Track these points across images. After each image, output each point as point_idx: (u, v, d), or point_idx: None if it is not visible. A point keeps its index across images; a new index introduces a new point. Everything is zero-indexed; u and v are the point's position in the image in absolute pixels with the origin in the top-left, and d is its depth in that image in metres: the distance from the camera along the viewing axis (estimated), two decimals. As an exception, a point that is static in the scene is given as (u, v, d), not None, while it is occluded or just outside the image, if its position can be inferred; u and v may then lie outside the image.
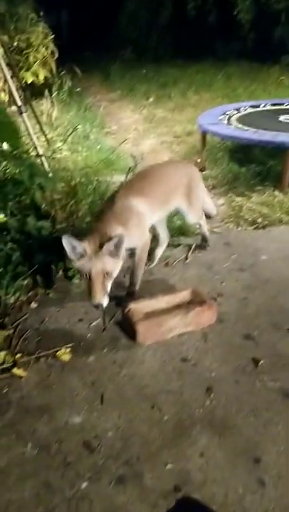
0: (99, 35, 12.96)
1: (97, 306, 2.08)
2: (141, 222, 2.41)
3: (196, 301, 2.33)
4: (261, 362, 2.08)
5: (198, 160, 4.53)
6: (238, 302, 2.49)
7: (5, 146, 2.71)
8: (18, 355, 2.14)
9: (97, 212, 2.64)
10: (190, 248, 3.04)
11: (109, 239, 2.10)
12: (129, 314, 2.23)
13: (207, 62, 9.78)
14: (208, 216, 3.14)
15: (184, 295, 2.38)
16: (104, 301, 2.08)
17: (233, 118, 4.50)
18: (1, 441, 1.74)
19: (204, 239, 3.09)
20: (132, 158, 4.21)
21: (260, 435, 1.71)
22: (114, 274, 2.15)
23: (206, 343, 2.20)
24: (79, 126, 5.23)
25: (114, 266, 2.13)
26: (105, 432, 1.75)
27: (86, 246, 2.09)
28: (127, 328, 2.26)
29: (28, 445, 1.71)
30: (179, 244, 3.11)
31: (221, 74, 8.63)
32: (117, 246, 2.09)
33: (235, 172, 4.21)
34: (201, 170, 4.42)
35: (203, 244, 3.09)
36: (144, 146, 5.32)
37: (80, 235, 2.26)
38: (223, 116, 4.52)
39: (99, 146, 5.02)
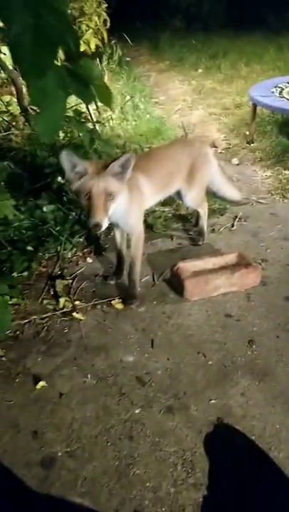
0: (148, 4, 12.75)
1: (97, 226, 1.90)
2: (141, 202, 2.30)
3: (241, 263, 2.47)
4: (301, 322, 2.22)
5: (247, 132, 4.56)
6: (282, 268, 2.62)
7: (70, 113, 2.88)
8: (77, 302, 2.37)
9: None
10: (236, 216, 3.16)
11: (115, 159, 1.94)
12: (178, 271, 2.41)
13: (259, 34, 9.50)
14: (233, 201, 3.05)
15: (230, 258, 2.52)
16: (105, 222, 1.92)
17: (286, 91, 4.46)
18: (64, 372, 1.98)
19: (200, 232, 2.87)
20: (182, 128, 4.31)
21: (298, 383, 1.88)
22: (118, 199, 1.98)
23: (249, 302, 2.36)
24: (129, 97, 5.33)
25: (119, 188, 1.95)
26: (155, 370, 1.97)
27: (87, 165, 1.92)
28: (176, 284, 2.44)
29: (88, 376, 1.95)
30: (225, 213, 3.22)
31: (273, 46, 8.39)
32: (124, 167, 1.93)
33: (284, 145, 4.22)
34: (249, 142, 4.47)
35: (197, 238, 2.87)
36: (192, 117, 5.37)
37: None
38: (275, 89, 4.49)
39: (148, 116, 5.11)
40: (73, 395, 1.87)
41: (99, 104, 5.04)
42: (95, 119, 3.89)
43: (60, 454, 1.65)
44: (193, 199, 2.67)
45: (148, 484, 1.53)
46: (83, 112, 3.02)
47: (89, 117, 3.78)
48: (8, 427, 1.75)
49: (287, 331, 2.15)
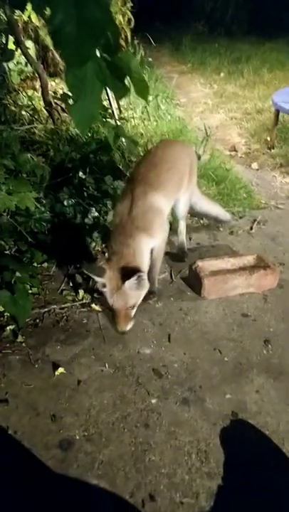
0: (171, 6, 12.79)
1: (122, 333, 2.11)
2: (162, 220, 2.29)
3: (260, 265, 2.50)
4: (317, 325, 2.24)
5: (268, 138, 4.59)
6: (299, 272, 2.65)
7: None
8: (96, 294, 2.42)
9: (116, 217, 2.22)
10: (255, 220, 3.19)
11: (130, 273, 1.95)
12: (197, 270, 2.45)
13: (282, 41, 9.49)
14: (221, 221, 3.00)
15: (248, 259, 2.56)
16: (128, 327, 2.09)
17: (309, 98, 4.48)
18: (82, 360, 2.03)
19: (182, 248, 2.78)
20: (204, 130, 4.35)
21: (312, 384, 1.91)
22: (139, 301, 2.12)
23: (266, 303, 2.39)
24: (152, 97, 5.37)
25: (138, 297, 2.08)
26: (172, 364, 2.01)
27: (107, 280, 2.00)
28: (194, 282, 2.48)
29: (106, 365, 2.00)
30: (244, 216, 3.26)
31: (296, 53, 8.40)
32: (139, 282, 2.01)
33: (304, 152, 4.25)
34: (269, 148, 4.49)
35: (180, 254, 2.77)
36: (212, 121, 5.40)
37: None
38: (298, 96, 4.52)
39: (169, 117, 5.15)
40: (91, 383, 1.92)
41: (121, 102, 5.06)
42: (117, 117, 3.93)
43: (77, 437, 1.70)
44: (186, 203, 2.62)
45: (163, 470, 1.57)
46: (107, 109, 3.06)
47: (112, 114, 3.83)
48: (28, 410, 1.80)
49: (302, 333, 2.19)
